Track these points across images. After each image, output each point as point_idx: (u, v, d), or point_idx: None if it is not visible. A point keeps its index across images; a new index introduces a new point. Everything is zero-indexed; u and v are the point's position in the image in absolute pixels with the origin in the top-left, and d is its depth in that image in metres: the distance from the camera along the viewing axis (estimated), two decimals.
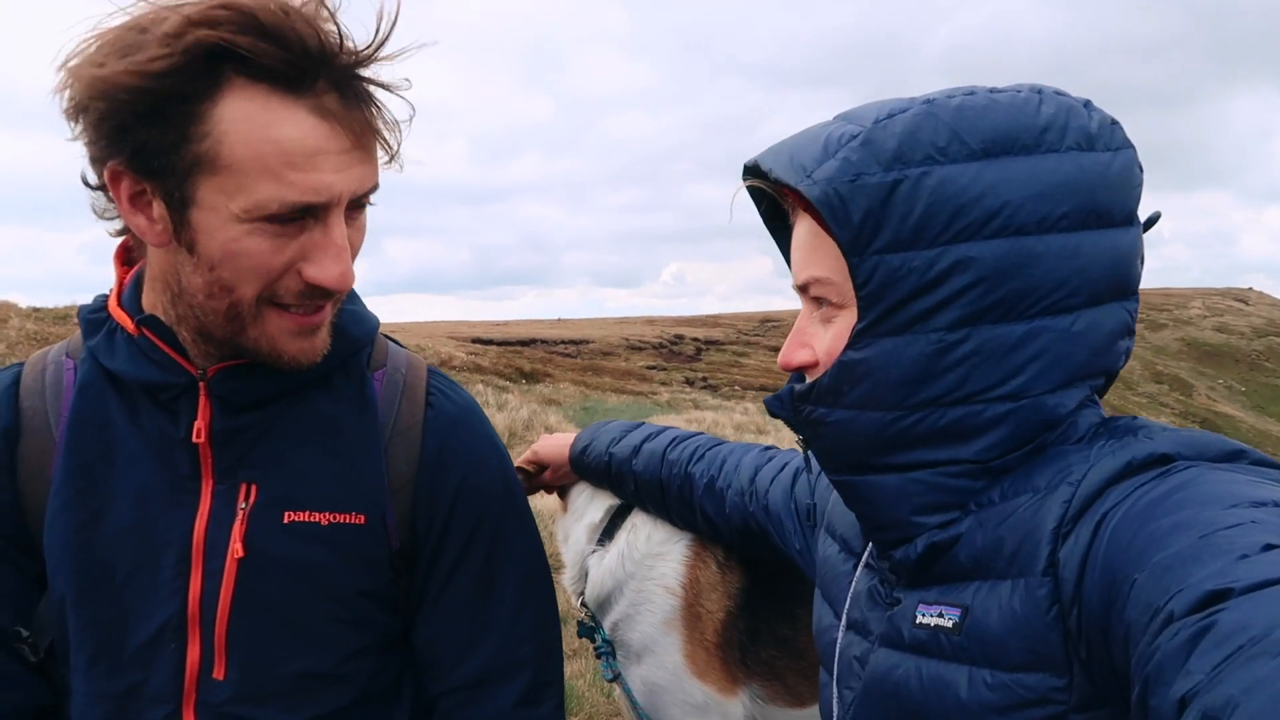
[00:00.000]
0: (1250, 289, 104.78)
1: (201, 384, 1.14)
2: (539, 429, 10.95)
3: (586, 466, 1.99)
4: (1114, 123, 0.98)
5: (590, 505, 2.14)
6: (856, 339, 0.97)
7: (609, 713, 3.95)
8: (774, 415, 1.10)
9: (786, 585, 1.99)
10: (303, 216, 1.03)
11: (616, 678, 2.03)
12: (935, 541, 0.97)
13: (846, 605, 1.14)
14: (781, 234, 1.16)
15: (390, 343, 1.33)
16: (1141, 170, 0.99)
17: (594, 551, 2.09)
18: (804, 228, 1.05)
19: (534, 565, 1.32)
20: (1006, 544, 0.91)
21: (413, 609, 1.26)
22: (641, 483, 1.87)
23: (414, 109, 1.08)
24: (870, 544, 1.11)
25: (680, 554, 2.02)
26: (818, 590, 1.27)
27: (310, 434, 1.19)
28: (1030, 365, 0.94)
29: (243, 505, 1.15)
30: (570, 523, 2.15)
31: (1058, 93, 0.97)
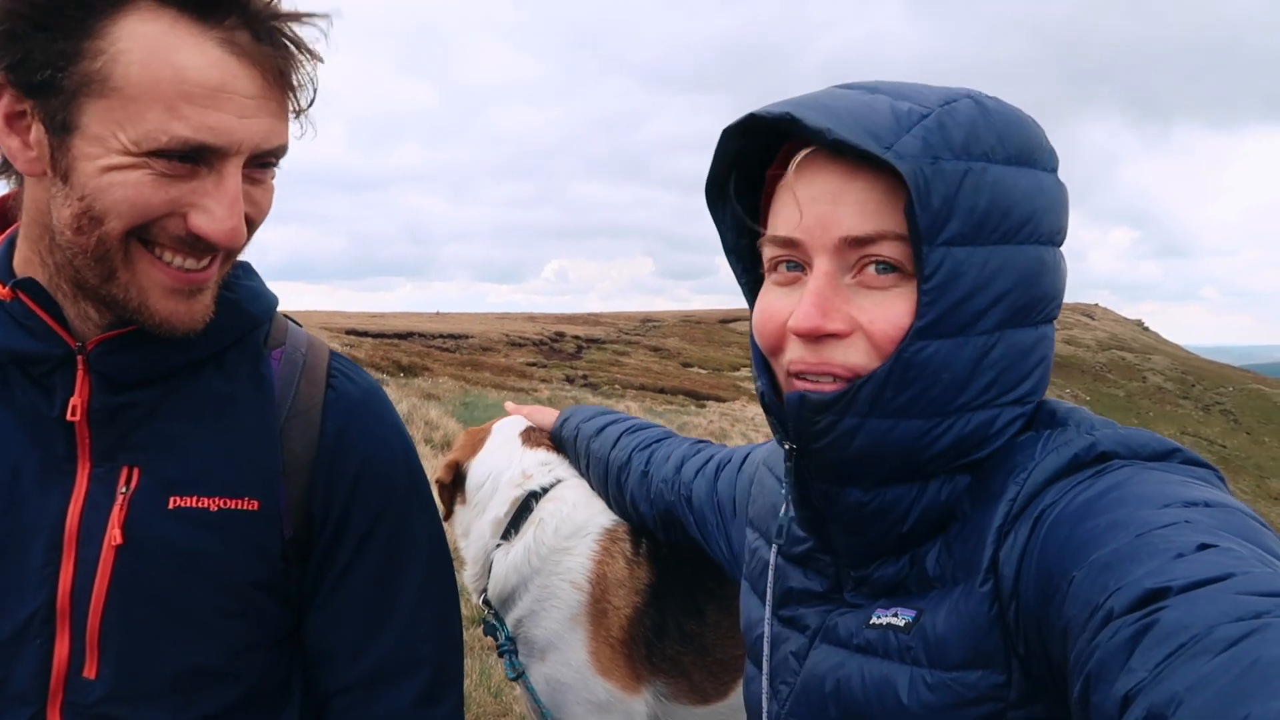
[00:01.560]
0: (1096, 305, 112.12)
1: (80, 357, 1.04)
2: (419, 423, 10.72)
3: (563, 440, 2.08)
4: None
5: (494, 499, 2.08)
6: (915, 338, 0.90)
7: (496, 713, 3.86)
8: (777, 429, 1.01)
9: (694, 580, 1.98)
10: (195, 160, 0.95)
11: (520, 676, 1.98)
12: (914, 553, 0.97)
13: (768, 599, 1.12)
14: (726, 201, 1.07)
15: (290, 322, 1.25)
16: None
17: (498, 546, 2.03)
18: (859, 183, 0.93)
19: (437, 558, 1.25)
20: (959, 549, 0.92)
21: (305, 602, 1.18)
22: (593, 461, 1.92)
23: (318, 78, 1.02)
24: (801, 538, 1.07)
25: (587, 549, 1.98)
26: (744, 583, 1.24)
27: (200, 414, 1.10)
28: (1037, 370, 0.96)
29: (123, 490, 1.05)
30: (471, 516, 2.09)
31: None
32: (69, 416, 1.03)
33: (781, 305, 0.97)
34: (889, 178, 0.90)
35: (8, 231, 1.11)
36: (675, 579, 1.97)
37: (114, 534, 1.03)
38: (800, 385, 0.96)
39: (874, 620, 0.97)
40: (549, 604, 1.96)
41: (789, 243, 0.97)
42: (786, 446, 1.00)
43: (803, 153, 0.97)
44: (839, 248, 0.93)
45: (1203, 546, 0.71)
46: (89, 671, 1.03)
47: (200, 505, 1.07)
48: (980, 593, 0.87)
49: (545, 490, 2.07)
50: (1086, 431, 0.91)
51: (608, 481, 1.88)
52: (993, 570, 0.87)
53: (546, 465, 2.13)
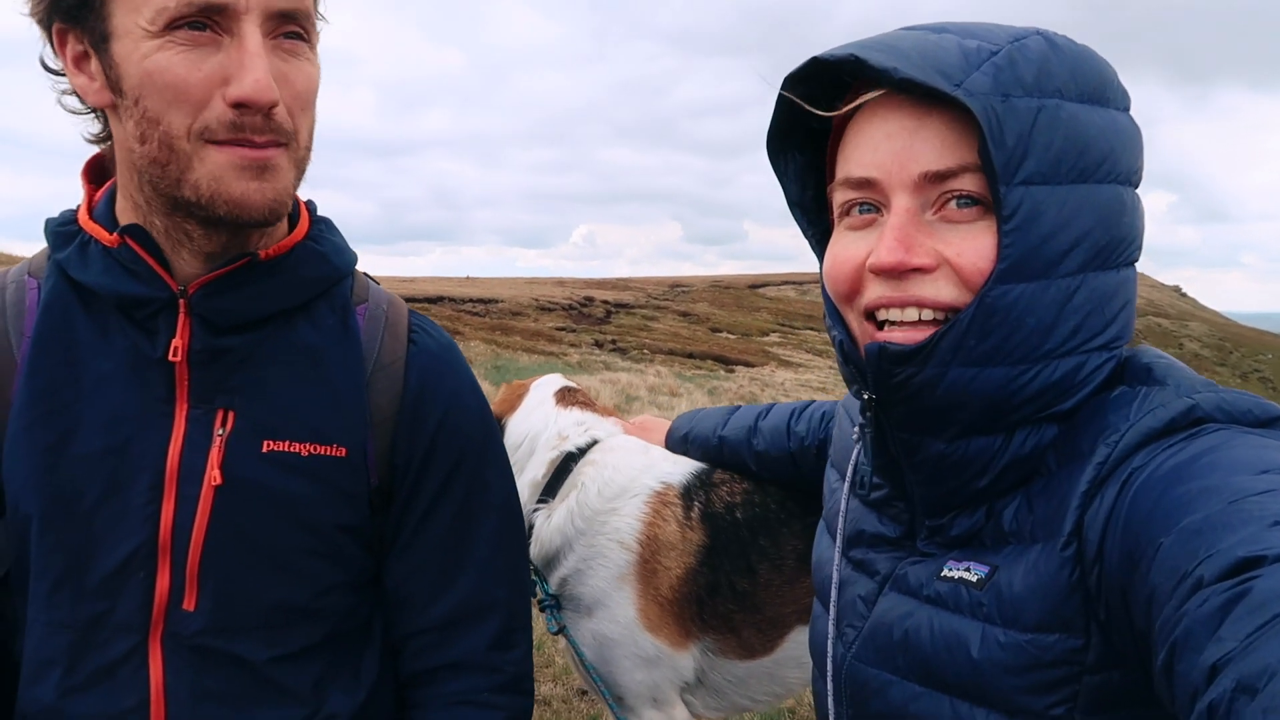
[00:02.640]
0: None
1: (182, 301, 1.10)
2: None
3: (688, 452, 2.13)
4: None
5: (531, 461, 2.13)
6: (998, 281, 0.88)
7: (538, 664, 3.98)
8: (851, 379, 1.02)
9: (749, 540, 2.04)
10: (210, 25, 0.98)
11: (561, 630, 2.05)
12: (990, 507, 0.95)
13: (839, 537, 1.12)
14: (789, 153, 1.06)
15: (370, 281, 1.29)
16: None
17: (537, 509, 2.09)
18: (934, 121, 0.91)
19: (510, 508, 1.31)
20: (1040, 507, 0.90)
21: (386, 548, 1.24)
22: (767, 460, 1.94)
23: None
24: (878, 484, 1.07)
25: (635, 510, 2.04)
26: (822, 522, 1.26)
27: (293, 363, 1.15)
28: (1121, 314, 0.94)
29: (220, 431, 1.11)
30: None
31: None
32: (171, 357, 1.09)
33: (858, 248, 0.96)
34: (962, 116, 0.89)
35: (104, 188, 1.17)
36: (731, 539, 2.03)
37: (213, 474, 1.09)
38: (880, 335, 0.95)
39: (945, 573, 0.96)
40: (596, 563, 2.02)
41: (864, 183, 0.95)
42: (865, 397, 1.00)
43: (871, 94, 0.95)
44: (919, 184, 0.92)
45: None
46: (188, 604, 1.09)
47: (292, 450, 1.12)
48: (1062, 556, 0.85)
49: (582, 451, 2.13)
50: (1186, 394, 0.88)
51: (800, 471, 1.88)
52: (1077, 534, 0.85)
53: (582, 425, 2.18)
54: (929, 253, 0.91)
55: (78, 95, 1.07)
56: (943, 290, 0.91)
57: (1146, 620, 0.74)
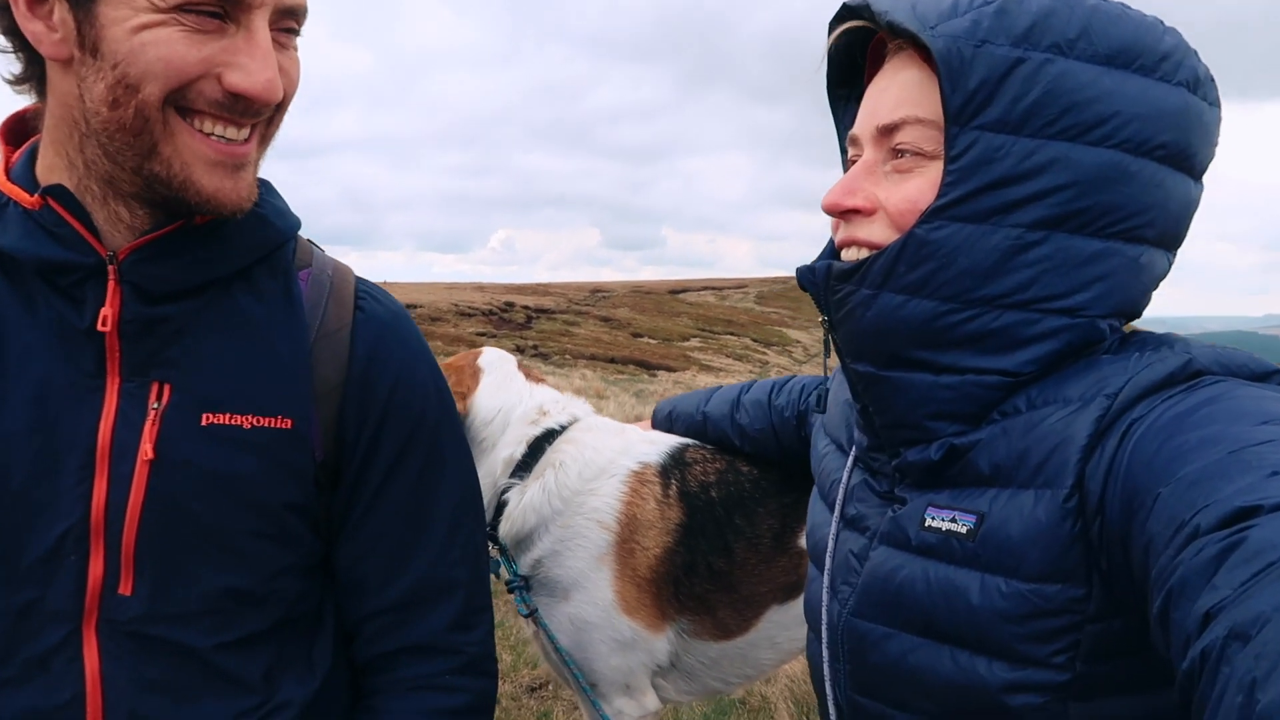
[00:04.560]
0: None
1: (111, 267, 1.02)
2: None
3: (673, 429, 2.16)
4: (1213, 80, 0.97)
5: (505, 436, 2.08)
6: (932, 216, 0.91)
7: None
8: (804, 287, 1.04)
9: (725, 519, 2.02)
10: (223, 16, 0.94)
11: (532, 613, 1.99)
12: (954, 445, 0.95)
13: (839, 501, 1.13)
14: (843, 104, 1.11)
15: (313, 245, 1.23)
16: (1219, 133, 0.98)
17: (510, 486, 2.03)
18: (908, 72, 0.96)
19: (468, 483, 1.25)
20: (1033, 454, 0.89)
21: (335, 528, 1.17)
22: (749, 434, 1.97)
23: None
24: (862, 439, 1.09)
25: (614, 489, 2.00)
26: (815, 490, 1.26)
27: (232, 332, 1.09)
28: (1096, 284, 0.92)
29: (154, 405, 1.04)
30: (476, 453, 2.08)
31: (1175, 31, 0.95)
32: (100, 327, 1.01)
33: None
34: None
35: (24, 146, 1.09)
36: (707, 518, 2.01)
37: (146, 449, 1.02)
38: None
39: (929, 522, 0.96)
40: (573, 544, 1.97)
41: (853, 140, 1.00)
42: (820, 320, 1.05)
43: (893, 45, 0.98)
44: (876, 137, 0.97)
45: None
46: (124, 588, 1.02)
47: (234, 423, 1.05)
48: (1065, 508, 0.85)
49: (562, 428, 2.08)
50: (1182, 350, 0.89)
51: (780, 442, 1.91)
52: (1078, 486, 0.84)
53: (560, 403, 2.14)
54: (866, 197, 0.97)
55: (11, 36, 0.99)
56: (875, 232, 0.97)
57: (1144, 569, 0.75)
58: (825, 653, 1.09)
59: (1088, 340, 0.93)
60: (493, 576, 2.04)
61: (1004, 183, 0.89)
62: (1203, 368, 0.85)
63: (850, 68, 1.10)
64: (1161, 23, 0.94)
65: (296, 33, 1.03)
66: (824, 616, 1.09)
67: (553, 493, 1.99)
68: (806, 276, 1.03)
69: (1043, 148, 0.88)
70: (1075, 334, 0.92)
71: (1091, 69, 0.89)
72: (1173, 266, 0.99)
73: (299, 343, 1.11)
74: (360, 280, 1.22)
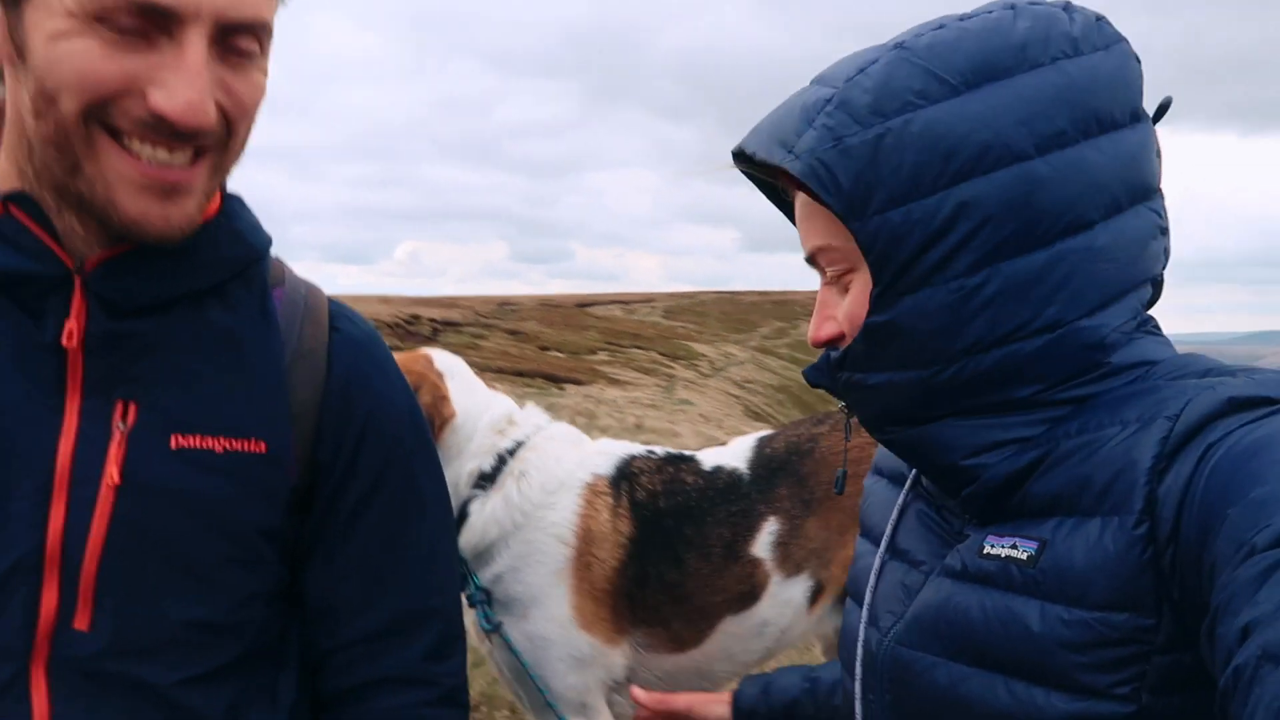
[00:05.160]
0: None
1: (78, 279, 0.96)
2: None
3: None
4: (1099, 19, 0.93)
5: (471, 446, 2.03)
6: (877, 302, 0.92)
7: (473, 661, 3.80)
8: (814, 385, 1.05)
9: (674, 530, 2.03)
10: (148, 28, 0.86)
11: (497, 628, 1.95)
12: (1009, 473, 0.92)
13: (888, 532, 1.11)
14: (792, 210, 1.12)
15: (285, 264, 1.18)
16: (1139, 61, 0.94)
17: (473, 496, 1.99)
18: (800, 200, 1.01)
19: (444, 507, 1.22)
20: (1096, 480, 0.86)
21: (305, 554, 1.11)
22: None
23: None
24: (930, 483, 1.07)
25: (571, 503, 1.99)
26: (860, 535, 1.24)
27: (206, 349, 1.03)
28: (1061, 292, 0.89)
29: (120, 426, 0.98)
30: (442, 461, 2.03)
31: (1033, 3, 0.92)
32: (65, 341, 0.95)
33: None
34: None
35: None
36: (655, 529, 2.01)
37: (111, 473, 0.95)
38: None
39: (988, 550, 0.93)
40: (533, 559, 1.95)
41: (809, 260, 1.04)
42: (840, 407, 1.08)
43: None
44: (814, 261, 1.03)
45: None
46: (81, 622, 0.95)
47: (205, 446, 1.00)
48: (1134, 535, 0.82)
49: (525, 439, 2.05)
50: (1246, 375, 0.87)
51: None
52: (1149, 512, 0.81)
53: (523, 412, 2.11)
54: (835, 325, 1.01)
55: None
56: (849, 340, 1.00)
57: (1210, 591, 0.73)
58: (859, 686, 1.06)
59: (1083, 345, 0.91)
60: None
61: (924, 248, 0.89)
62: (1272, 394, 0.82)
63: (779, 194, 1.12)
64: (1011, 9, 0.91)
65: (256, 52, 0.95)
66: (859, 649, 1.06)
67: (515, 505, 1.97)
68: (814, 374, 1.05)
69: (944, 199, 0.87)
70: (1064, 344, 0.91)
71: (953, 104, 0.87)
72: (1166, 208, 0.96)
73: (275, 362, 1.07)
74: (333, 301, 1.18)
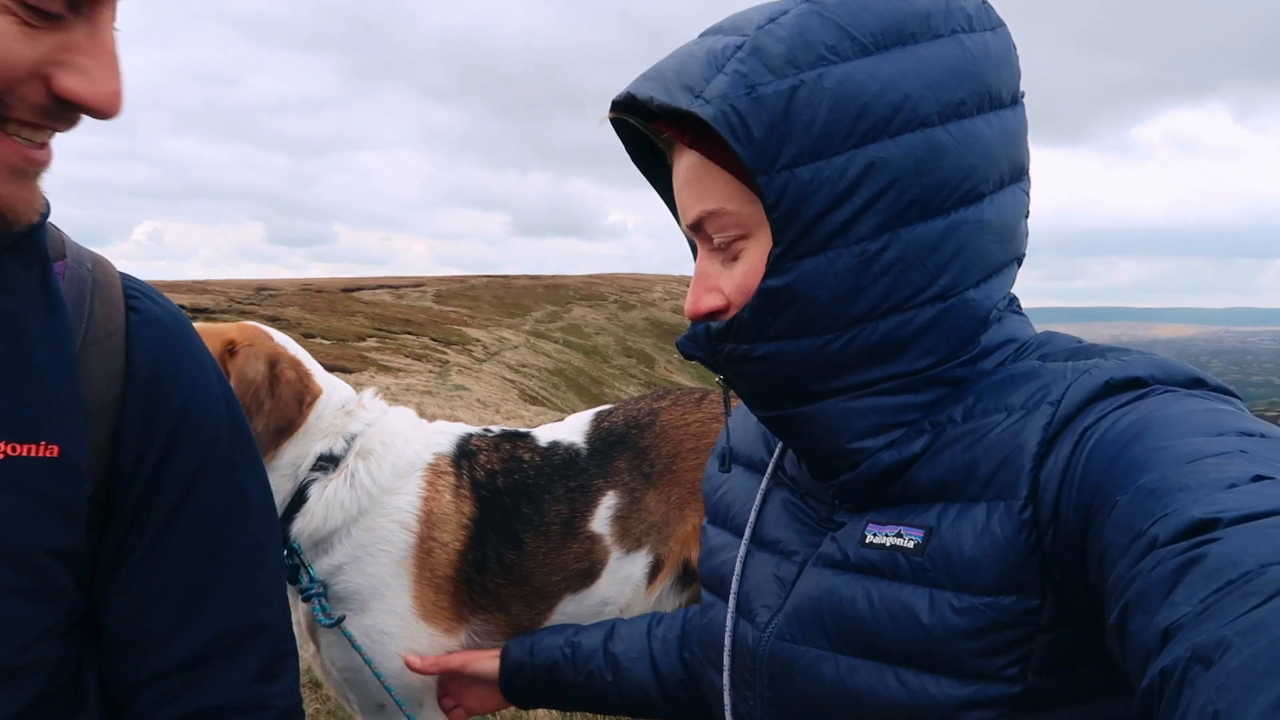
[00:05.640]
0: None
1: None
2: None
3: (533, 667, 1.55)
4: (984, 1, 0.95)
5: (321, 423, 1.90)
6: (775, 265, 0.89)
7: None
8: (688, 356, 1.00)
9: (512, 510, 1.97)
10: (62, 10, 0.78)
11: (338, 622, 1.82)
12: (890, 464, 0.93)
13: (751, 521, 1.09)
14: (660, 178, 1.07)
15: (64, 234, 1.03)
16: (1015, 48, 0.96)
17: (313, 479, 1.86)
18: (688, 161, 0.96)
19: (268, 510, 1.11)
20: (982, 465, 0.87)
21: (106, 575, 0.98)
22: (623, 665, 1.44)
23: None
24: (799, 472, 1.06)
25: (416, 486, 1.90)
26: (708, 519, 1.21)
27: None
28: (954, 261, 0.90)
29: None
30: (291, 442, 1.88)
31: None
32: None
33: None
34: None
35: None
36: (494, 510, 1.95)
37: None
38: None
39: (870, 539, 0.93)
40: (376, 549, 1.85)
41: (690, 228, 0.99)
42: (717, 380, 1.03)
43: (666, 134, 0.97)
44: (695, 233, 0.98)
45: (1258, 478, 0.67)
46: None
47: None
48: (1020, 519, 0.83)
49: (373, 421, 1.95)
50: (1119, 358, 0.88)
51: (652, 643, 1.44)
52: (1033, 496, 0.83)
53: (368, 395, 2.00)
54: (719, 296, 0.96)
55: None
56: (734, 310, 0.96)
57: (1099, 577, 0.74)
58: (727, 680, 1.06)
59: (971, 317, 0.93)
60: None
61: (829, 208, 0.87)
62: (1142, 375, 0.84)
63: (650, 143, 1.06)
64: None
65: None
66: (728, 643, 1.06)
67: (363, 489, 1.85)
68: (689, 345, 1.00)
69: (853, 158, 0.86)
70: (952, 315, 0.91)
71: (865, 63, 0.86)
72: (1032, 186, 0.99)
73: (64, 348, 0.93)
74: (126, 276, 1.05)
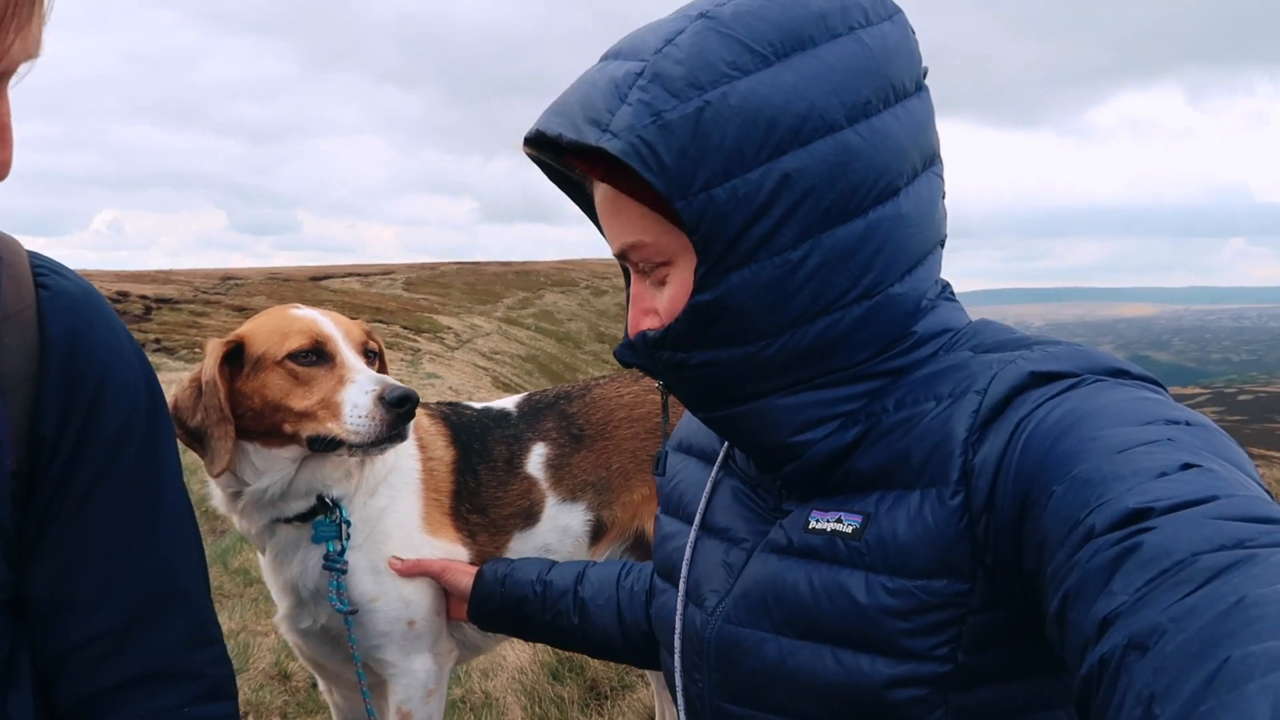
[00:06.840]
0: None
1: None
2: None
3: (502, 594, 1.64)
4: None
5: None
6: (702, 282, 0.91)
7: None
8: (627, 365, 1.03)
9: (467, 444, 2.15)
10: None
11: (354, 612, 1.86)
12: (833, 450, 0.95)
13: (700, 509, 1.12)
14: (587, 202, 1.07)
15: None
16: (913, 31, 0.98)
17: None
18: (602, 193, 0.97)
19: (180, 480, 1.11)
20: (915, 454, 0.90)
21: (29, 546, 0.98)
22: (590, 610, 1.50)
23: None
24: (749, 466, 1.08)
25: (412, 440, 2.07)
26: (660, 509, 1.24)
27: None
28: (877, 259, 0.91)
29: None
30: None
31: None
32: None
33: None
34: None
35: None
36: (460, 443, 2.15)
37: None
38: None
39: (813, 525, 0.96)
40: (401, 482, 2.02)
41: (619, 256, 1.01)
42: (658, 385, 1.06)
43: (579, 168, 1.00)
44: (624, 257, 1.00)
45: (1186, 466, 0.70)
46: None
47: None
48: (951, 505, 0.86)
49: None
50: (1043, 348, 0.91)
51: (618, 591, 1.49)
52: (964, 483, 0.86)
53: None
54: (654, 319, 0.99)
55: None
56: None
57: (1037, 565, 0.76)
58: (678, 663, 1.09)
59: (899, 310, 0.94)
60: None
61: (749, 223, 0.88)
62: (1066, 369, 0.87)
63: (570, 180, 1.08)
64: None
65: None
66: (678, 626, 1.08)
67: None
68: (626, 353, 1.02)
69: (767, 173, 0.87)
70: (880, 311, 0.93)
71: (768, 74, 0.86)
72: (944, 166, 1.00)
73: None
74: (32, 253, 1.04)
